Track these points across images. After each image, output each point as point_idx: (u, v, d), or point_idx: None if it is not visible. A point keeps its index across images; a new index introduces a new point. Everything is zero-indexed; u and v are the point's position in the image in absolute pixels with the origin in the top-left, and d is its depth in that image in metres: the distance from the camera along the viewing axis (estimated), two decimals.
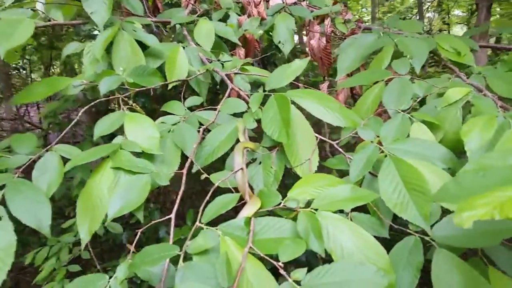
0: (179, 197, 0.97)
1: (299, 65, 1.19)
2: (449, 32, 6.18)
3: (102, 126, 1.09)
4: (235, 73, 1.40)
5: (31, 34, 1.23)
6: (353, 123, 1.08)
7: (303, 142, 1.06)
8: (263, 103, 1.18)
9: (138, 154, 1.05)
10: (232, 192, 0.94)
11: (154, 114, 1.78)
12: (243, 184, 0.96)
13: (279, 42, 1.88)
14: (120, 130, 1.14)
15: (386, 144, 1.03)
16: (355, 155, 1.01)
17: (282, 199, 0.88)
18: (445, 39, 1.44)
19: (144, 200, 0.95)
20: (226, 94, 1.31)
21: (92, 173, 1.02)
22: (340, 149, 1.08)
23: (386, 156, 0.97)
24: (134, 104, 1.19)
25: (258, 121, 1.16)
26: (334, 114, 1.08)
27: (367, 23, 2.05)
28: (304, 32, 2.02)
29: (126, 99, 1.20)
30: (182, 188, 0.99)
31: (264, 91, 1.21)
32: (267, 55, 2.70)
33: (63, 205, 2.99)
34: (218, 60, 1.56)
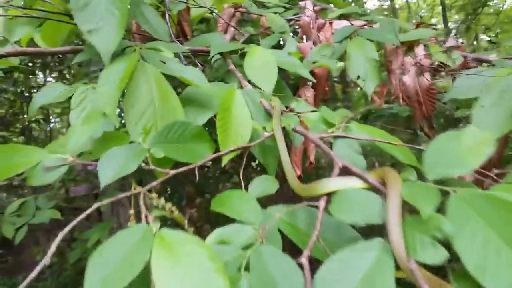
0: None
1: (480, 140, 0.60)
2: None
3: (100, 272, 0.48)
4: (335, 136, 0.80)
5: None
6: None
7: None
8: None
9: None
10: None
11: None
12: None
13: (358, 78, 1.32)
14: None
15: None
16: None
17: None
18: None
19: None
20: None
21: None
22: None
23: None
24: (168, 206, 0.59)
25: None
26: None
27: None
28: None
29: (150, 194, 0.60)
30: None
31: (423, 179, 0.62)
32: None
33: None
34: (290, 110, 0.98)
